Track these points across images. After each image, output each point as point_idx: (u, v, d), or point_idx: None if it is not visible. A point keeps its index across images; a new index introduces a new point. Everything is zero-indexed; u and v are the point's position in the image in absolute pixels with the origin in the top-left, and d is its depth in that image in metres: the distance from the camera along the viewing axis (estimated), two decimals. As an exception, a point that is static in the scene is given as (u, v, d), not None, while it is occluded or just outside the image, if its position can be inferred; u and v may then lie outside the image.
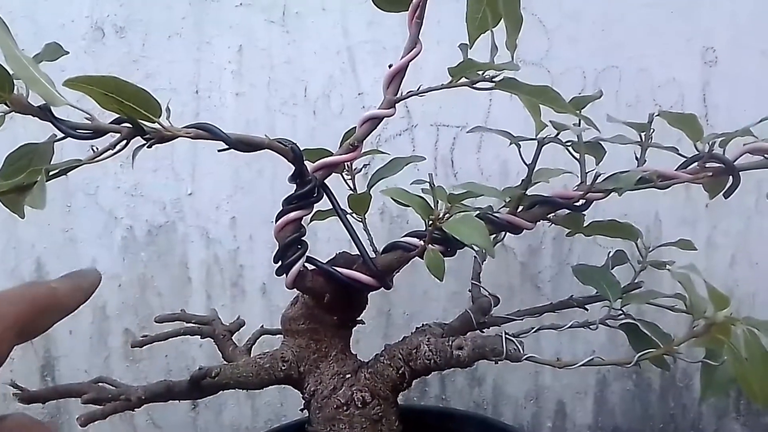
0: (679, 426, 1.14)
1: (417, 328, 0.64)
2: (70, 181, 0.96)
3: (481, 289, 0.71)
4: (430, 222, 0.49)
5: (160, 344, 0.98)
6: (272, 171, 0.99)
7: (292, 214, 0.54)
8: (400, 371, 0.60)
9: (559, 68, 0.99)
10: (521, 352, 0.53)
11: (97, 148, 0.41)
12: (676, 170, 0.56)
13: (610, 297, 0.60)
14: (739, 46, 1.03)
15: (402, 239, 0.57)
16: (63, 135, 0.40)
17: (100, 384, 0.53)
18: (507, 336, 0.54)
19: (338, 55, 0.98)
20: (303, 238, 0.56)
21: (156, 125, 0.42)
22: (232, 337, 0.69)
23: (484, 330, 0.68)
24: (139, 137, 0.42)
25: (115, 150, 0.41)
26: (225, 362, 0.65)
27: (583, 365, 0.52)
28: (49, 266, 0.98)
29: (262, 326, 0.76)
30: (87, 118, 0.41)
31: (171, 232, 1.00)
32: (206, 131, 0.44)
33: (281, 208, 0.55)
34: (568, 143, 0.59)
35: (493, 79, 0.48)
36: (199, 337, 0.98)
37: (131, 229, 0.99)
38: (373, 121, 0.54)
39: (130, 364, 1.02)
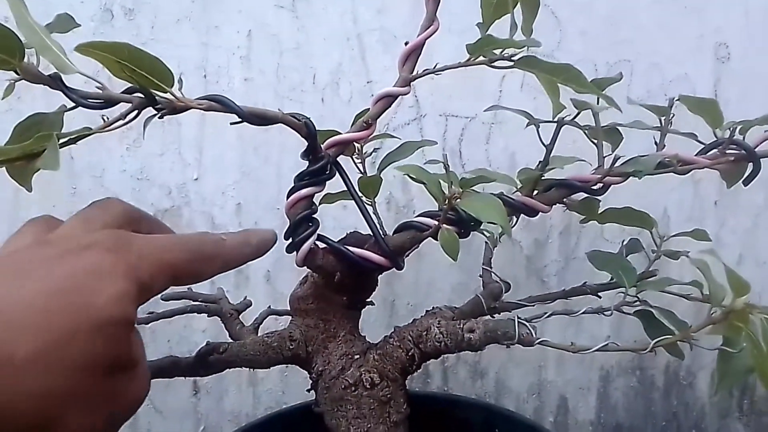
0: (682, 424, 1.14)
1: (427, 310, 0.63)
2: (76, 164, 0.96)
3: (492, 274, 0.70)
4: (446, 201, 0.48)
5: (163, 328, 0.99)
6: (279, 157, 0.99)
7: (304, 191, 0.53)
8: (410, 353, 0.59)
9: (571, 61, 0.98)
10: (534, 336, 0.52)
11: (108, 118, 0.41)
12: (695, 156, 0.56)
13: (626, 283, 0.59)
14: (751, 43, 1.03)
15: (415, 219, 0.56)
16: (73, 105, 0.40)
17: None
18: (519, 320, 0.54)
19: (348, 42, 0.98)
20: (314, 216, 0.55)
21: (168, 95, 0.41)
22: (239, 318, 0.69)
23: (494, 315, 0.67)
24: (150, 108, 0.41)
25: (126, 120, 0.41)
26: (231, 341, 0.64)
27: (597, 350, 0.52)
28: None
29: (269, 306, 0.75)
30: (98, 87, 0.40)
31: (176, 216, 0.99)
32: (219, 103, 0.44)
33: (292, 185, 0.54)
34: (586, 127, 0.58)
35: (512, 58, 0.47)
36: (203, 320, 0.98)
37: (136, 213, 0.98)
38: (388, 99, 0.53)
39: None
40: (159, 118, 0.42)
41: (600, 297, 0.69)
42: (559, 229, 1.05)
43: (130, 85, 0.41)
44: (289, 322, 0.63)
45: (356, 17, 0.97)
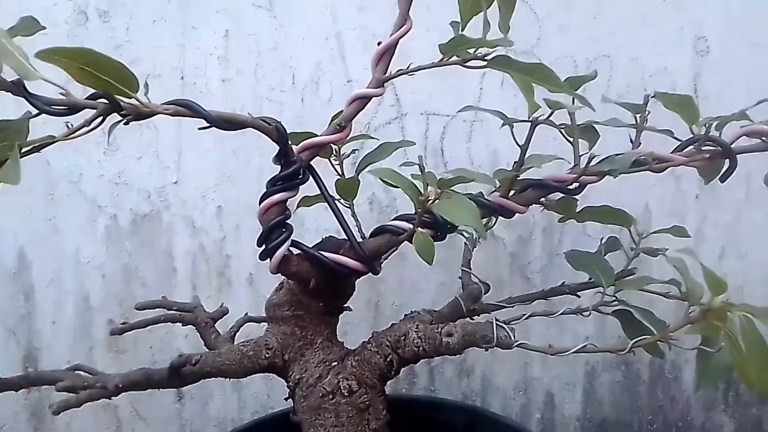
0: (668, 418, 1.14)
1: (405, 315, 0.62)
2: (52, 169, 0.94)
3: (472, 276, 0.70)
4: (420, 204, 0.48)
5: (144, 335, 0.98)
6: (259, 160, 0.97)
7: (277, 196, 0.52)
8: (388, 359, 0.59)
9: (550, 57, 0.98)
10: (512, 338, 0.52)
11: (72, 125, 0.40)
12: (671, 153, 0.55)
13: (604, 283, 0.59)
14: (730, 37, 1.03)
15: (390, 223, 0.55)
16: (37, 112, 0.39)
17: (77, 372, 0.51)
18: (498, 323, 0.54)
19: (327, 41, 0.97)
20: (288, 222, 0.54)
21: (133, 101, 0.40)
22: (215, 326, 0.68)
23: (474, 317, 0.67)
24: (116, 114, 0.40)
25: (90, 126, 0.40)
26: (207, 350, 0.63)
27: (575, 353, 0.51)
28: (31, 255, 0.96)
29: (246, 314, 0.74)
30: (62, 94, 0.39)
31: (156, 221, 0.98)
32: (186, 108, 0.43)
33: (265, 190, 0.53)
34: (562, 126, 0.58)
35: (485, 58, 0.47)
36: (183, 327, 0.97)
37: (115, 218, 0.97)
38: (362, 101, 0.52)
39: (114, 355, 1.00)
40: (124, 124, 0.41)
41: (579, 296, 0.69)
42: (542, 226, 1.05)
43: (94, 91, 0.40)
44: (264, 330, 0.62)
45: (335, 16, 0.97)
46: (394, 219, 0.56)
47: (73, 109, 0.40)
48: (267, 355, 0.59)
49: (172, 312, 0.69)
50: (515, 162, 0.59)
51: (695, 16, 1.02)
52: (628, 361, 1.12)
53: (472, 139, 1.01)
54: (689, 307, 0.47)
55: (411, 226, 0.52)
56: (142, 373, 0.51)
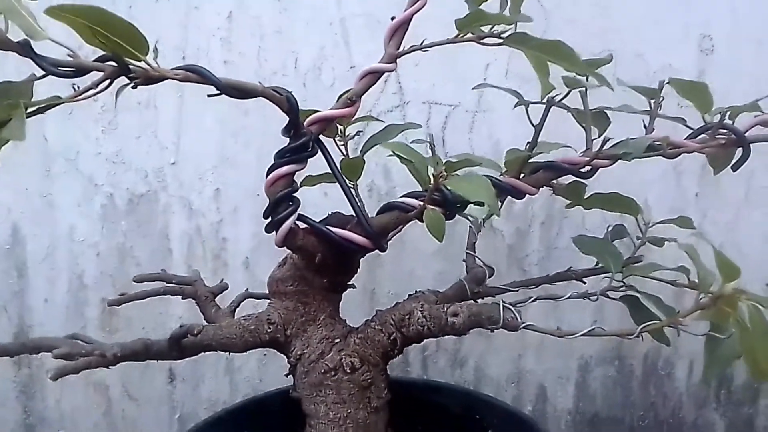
0: (659, 414, 1.14)
1: (410, 294, 0.62)
2: (50, 145, 0.93)
3: (476, 259, 0.69)
4: (431, 181, 0.47)
5: (138, 315, 0.97)
6: (260, 143, 0.97)
7: (285, 168, 0.51)
8: (392, 337, 0.58)
9: (555, 49, 0.98)
10: (518, 320, 0.52)
11: (78, 87, 0.39)
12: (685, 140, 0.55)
13: (612, 268, 0.58)
14: (736, 35, 1.03)
15: (399, 199, 0.55)
16: (43, 73, 0.38)
17: (74, 340, 0.50)
18: (504, 304, 0.54)
19: (331, 26, 0.96)
20: (295, 195, 0.54)
21: (142, 64, 0.39)
22: (215, 301, 0.67)
23: (477, 300, 0.66)
24: (123, 77, 0.40)
25: (97, 89, 0.39)
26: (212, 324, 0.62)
27: (583, 335, 0.52)
28: (25, 230, 0.95)
29: (247, 289, 0.73)
30: (69, 55, 0.38)
31: (152, 201, 0.97)
32: (196, 73, 0.42)
33: (273, 162, 0.52)
34: (574, 110, 0.57)
35: (501, 35, 0.46)
36: (179, 306, 0.96)
37: (111, 197, 0.96)
38: (373, 76, 0.52)
39: (107, 334, 0.99)
40: (132, 87, 0.40)
41: (585, 282, 0.69)
42: (540, 219, 1.04)
43: (102, 53, 0.39)
44: (267, 305, 0.61)
45: (340, 1, 0.96)
46: (402, 196, 0.55)
47: (80, 71, 0.38)
48: (269, 330, 0.58)
49: (172, 285, 0.68)
50: (528, 143, 0.58)
51: (701, 15, 1.02)
52: (621, 356, 1.12)
53: (474, 129, 1.01)
54: (699, 293, 0.47)
55: (420, 203, 0.51)
56: (141, 343, 0.50)
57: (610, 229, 0.68)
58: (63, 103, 0.38)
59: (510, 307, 0.54)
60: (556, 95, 0.55)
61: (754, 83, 1.02)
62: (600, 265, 0.64)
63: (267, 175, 0.53)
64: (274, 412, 0.72)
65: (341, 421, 0.59)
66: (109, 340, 0.99)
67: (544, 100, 0.56)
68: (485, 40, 0.47)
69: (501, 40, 0.47)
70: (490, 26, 0.47)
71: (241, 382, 1.04)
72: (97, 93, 0.39)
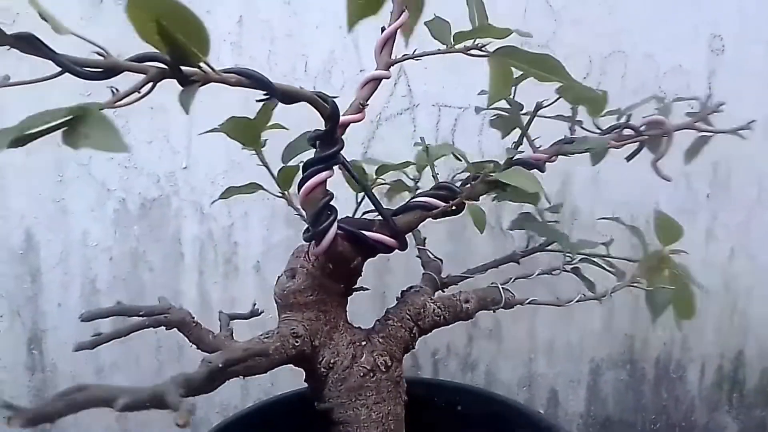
0: (671, 418, 1.14)
1: (411, 289, 0.65)
2: (62, 150, 0.93)
3: (428, 252, 0.74)
4: (478, 174, 0.53)
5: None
6: (270, 146, 0.97)
7: (323, 175, 0.51)
8: (412, 331, 0.61)
9: (565, 51, 0.97)
10: (513, 297, 0.63)
11: (116, 91, 0.35)
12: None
13: (563, 246, 0.68)
14: (746, 36, 1.02)
15: (417, 200, 0.58)
16: (58, 71, 0.34)
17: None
18: (502, 286, 0.63)
19: (340, 29, 0.96)
20: (331, 203, 0.54)
21: (203, 65, 0.36)
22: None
23: (444, 289, 0.70)
24: (168, 79, 0.36)
25: (141, 93, 0.35)
26: (218, 351, 0.58)
27: (578, 301, 0.64)
28: (38, 236, 0.96)
29: (221, 312, 0.67)
30: (100, 54, 0.35)
31: (165, 206, 0.98)
32: (248, 77, 0.40)
33: (306, 171, 0.52)
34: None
35: (483, 48, 0.49)
36: (190, 311, 0.96)
37: (124, 201, 0.97)
38: (374, 83, 0.53)
39: (120, 340, 1.00)
40: (182, 87, 0.37)
41: (519, 263, 0.75)
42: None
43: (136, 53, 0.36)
44: (281, 320, 0.59)
45: (349, 5, 0.96)
46: (420, 195, 0.58)
47: (110, 72, 0.35)
48: (296, 344, 0.56)
49: (157, 317, 0.58)
50: (514, 143, 0.66)
51: (711, 15, 1.02)
52: (633, 359, 1.12)
53: (483, 131, 1.01)
54: (644, 257, 0.61)
55: (439, 202, 0.56)
56: (181, 378, 0.42)
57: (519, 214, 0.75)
58: (102, 110, 0.33)
59: (508, 288, 0.63)
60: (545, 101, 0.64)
61: (764, 84, 1.02)
62: (530, 246, 0.76)
63: (300, 185, 0.53)
64: (285, 415, 0.72)
65: (383, 419, 0.60)
66: (122, 346, 0.99)
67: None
68: (473, 52, 0.50)
69: (486, 54, 0.48)
70: (472, 40, 0.49)
71: (252, 386, 1.04)
72: (140, 98, 0.35)
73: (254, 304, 0.74)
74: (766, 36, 1.02)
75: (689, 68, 1.02)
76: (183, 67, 0.36)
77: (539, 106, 0.65)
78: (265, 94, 0.42)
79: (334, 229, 0.53)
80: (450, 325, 0.64)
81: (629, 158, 0.68)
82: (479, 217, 0.55)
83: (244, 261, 1.01)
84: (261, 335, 0.57)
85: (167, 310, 0.58)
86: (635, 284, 0.62)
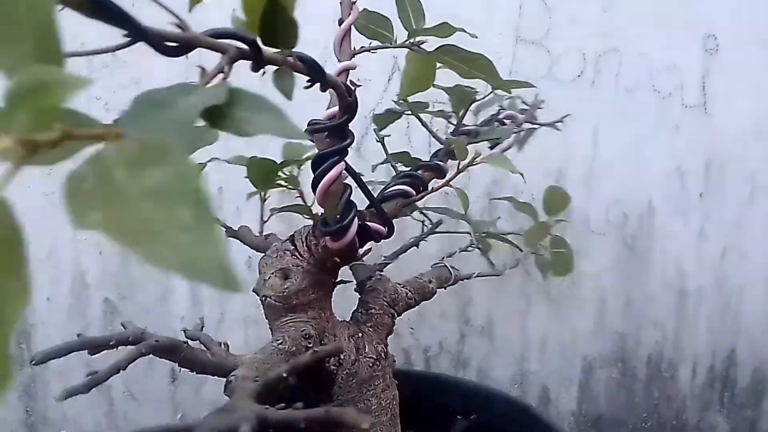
0: (663, 416, 1.14)
1: (369, 278, 0.66)
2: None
3: None
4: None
5: (139, 316, 0.97)
6: (263, 140, 0.96)
7: (339, 167, 0.50)
8: (393, 317, 0.63)
9: (559, 48, 0.97)
10: (457, 272, 0.72)
11: (205, 69, 0.33)
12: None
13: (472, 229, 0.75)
14: (740, 36, 1.02)
15: (396, 188, 0.61)
16: (130, 40, 0.31)
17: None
18: (450, 267, 0.72)
19: (334, 24, 0.95)
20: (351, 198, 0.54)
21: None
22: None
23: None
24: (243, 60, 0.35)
25: (223, 75, 0.33)
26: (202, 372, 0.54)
27: (511, 269, 0.76)
28: (27, 229, 0.94)
29: (185, 330, 0.61)
30: (178, 26, 0.32)
31: (155, 200, 0.97)
32: (304, 62, 0.39)
33: (320, 167, 0.51)
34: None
35: (420, 45, 0.52)
36: (182, 305, 0.96)
37: (114, 195, 0.96)
38: (345, 74, 0.55)
39: (109, 333, 0.99)
40: (254, 71, 0.36)
41: (418, 246, 0.82)
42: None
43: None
44: (282, 323, 0.56)
45: None
46: (394, 184, 0.62)
47: (189, 47, 0.32)
48: (308, 345, 0.54)
49: (150, 342, 0.51)
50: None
51: (705, 14, 1.02)
52: (625, 358, 1.12)
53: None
54: (535, 227, 0.71)
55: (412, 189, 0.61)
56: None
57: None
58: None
59: (455, 267, 0.72)
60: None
61: (757, 84, 1.02)
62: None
63: (315, 183, 0.52)
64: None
65: (389, 404, 0.61)
66: (111, 340, 0.99)
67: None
68: (415, 49, 0.53)
69: (427, 52, 0.52)
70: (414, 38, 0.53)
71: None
72: (225, 79, 0.33)
73: (201, 319, 0.66)
74: (760, 36, 1.02)
75: (683, 67, 1.02)
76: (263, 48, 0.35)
77: (426, 105, 0.72)
78: (308, 80, 0.41)
79: (355, 225, 0.53)
80: (418, 305, 0.68)
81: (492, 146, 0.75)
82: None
83: (235, 256, 0.99)
84: (275, 342, 0.53)
85: (141, 334, 0.52)
86: (536, 252, 0.72)
